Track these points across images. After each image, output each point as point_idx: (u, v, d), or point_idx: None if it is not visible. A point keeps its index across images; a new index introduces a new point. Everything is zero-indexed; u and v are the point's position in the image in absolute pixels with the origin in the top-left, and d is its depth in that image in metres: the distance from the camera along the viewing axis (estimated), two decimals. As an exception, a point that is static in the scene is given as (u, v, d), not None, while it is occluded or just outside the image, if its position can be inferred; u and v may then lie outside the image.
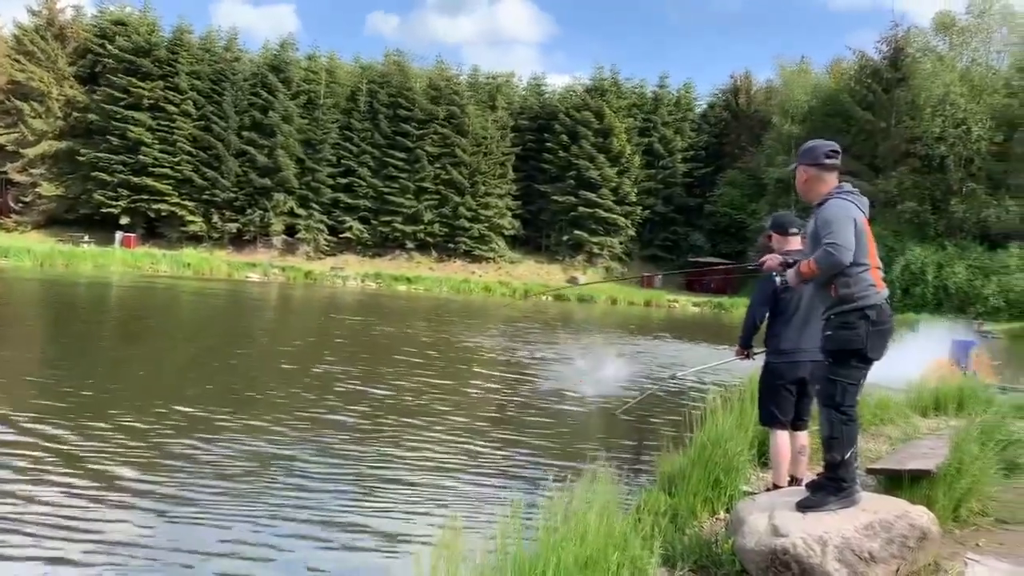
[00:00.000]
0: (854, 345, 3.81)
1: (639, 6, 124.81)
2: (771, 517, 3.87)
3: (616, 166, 57.09)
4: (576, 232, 56.69)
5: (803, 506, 3.88)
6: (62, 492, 5.85)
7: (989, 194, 45.52)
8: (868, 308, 3.79)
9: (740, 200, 54.85)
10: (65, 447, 7.02)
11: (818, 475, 4.09)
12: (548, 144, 58.40)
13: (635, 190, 57.57)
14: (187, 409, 8.79)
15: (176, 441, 7.47)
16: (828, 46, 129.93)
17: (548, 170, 58.53)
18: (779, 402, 4.87)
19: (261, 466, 6.85)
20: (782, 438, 4.88)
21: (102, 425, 7.81)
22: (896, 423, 7.99)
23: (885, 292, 3.89)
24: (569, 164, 57.01)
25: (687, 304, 44.04)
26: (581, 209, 56.15)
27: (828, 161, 4.03)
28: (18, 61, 52.80)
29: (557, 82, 69.37)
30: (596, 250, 57.03)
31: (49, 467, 6.41)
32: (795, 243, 4.98)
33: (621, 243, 57.67)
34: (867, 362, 3.88)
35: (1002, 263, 42.50)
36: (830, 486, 3.90)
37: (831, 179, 4.04)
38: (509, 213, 57.71)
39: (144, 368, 12.21)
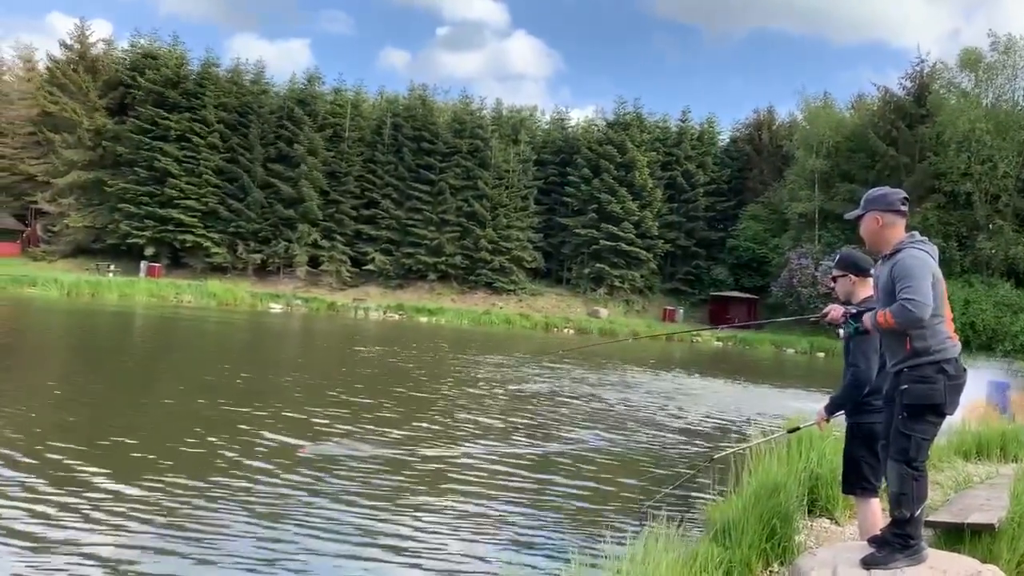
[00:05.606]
0: (934, 400, 3.68)
1: (642, 43, 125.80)
2: (834, 573, 3.73)
3: (638, 200, 57.03)
4: (597, 265, 56.56)
5: (868, 563, 3.74)
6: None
7: (1016, 231, 45.10)
8: (945, 362, 3.68)
9: (762, 235, 54.64)
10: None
11: (883, 530, 3.95)
12: (570, 177, 58.51)
13: (657, 223, 57.40)
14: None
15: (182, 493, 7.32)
16: (834, 83, 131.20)
17: (570, 203, 58.61)
18: (877, 467, 4.23)
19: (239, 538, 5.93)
20: (877, 506, 4.40)
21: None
22: (940, 468, 7.82)
23: (959, 344, 3.79)
24: (591, 197, 57.02)
25: (710, 339, 43.70)
26: (603, 242, 56.00)
27: (903, 208, 3.94)
28: (51, 93, 53.92)
29: (572, 116, 69.58)
30: (617, 283, 56.78)
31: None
32: (869, 287, 4.43)
33: (643, 276, 57.42)
34: (942, 416, 3.76)
35: (1030, 301, 42.07)
36: (896, 542, 3.76)
37: (902, 226, 3.94)
38: (530, 245, 57.71)
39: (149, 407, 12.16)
